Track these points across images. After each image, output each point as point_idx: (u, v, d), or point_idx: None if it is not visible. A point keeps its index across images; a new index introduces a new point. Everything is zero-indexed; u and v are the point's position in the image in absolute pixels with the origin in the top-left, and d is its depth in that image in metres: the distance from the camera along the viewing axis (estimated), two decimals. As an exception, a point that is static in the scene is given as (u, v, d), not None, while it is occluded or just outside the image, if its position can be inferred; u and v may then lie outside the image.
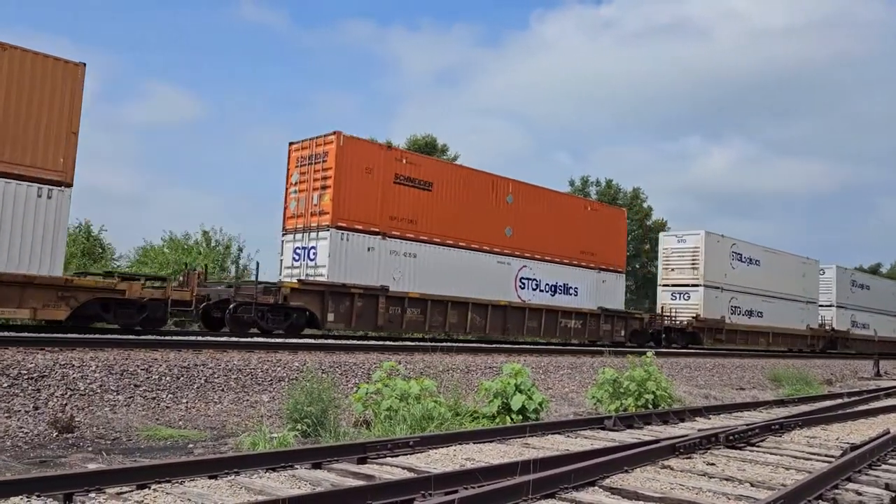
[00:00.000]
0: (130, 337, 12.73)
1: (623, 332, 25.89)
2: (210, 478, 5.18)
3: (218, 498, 4.69)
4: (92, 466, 6.16)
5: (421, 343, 16.29)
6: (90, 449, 7.49)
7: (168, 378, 10.21)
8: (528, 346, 20.34)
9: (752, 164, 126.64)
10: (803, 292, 36.19)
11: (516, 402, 9.44)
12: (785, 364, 24.20)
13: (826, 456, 7.34)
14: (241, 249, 29.78)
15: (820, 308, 38.53)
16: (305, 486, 5.19)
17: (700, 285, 29.65)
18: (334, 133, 17.99)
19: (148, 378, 10.00)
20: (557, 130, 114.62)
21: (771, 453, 7.47)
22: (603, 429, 8.73)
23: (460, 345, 17.89)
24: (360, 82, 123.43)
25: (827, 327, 38.55)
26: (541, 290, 22.84)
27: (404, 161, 19.55)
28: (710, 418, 10.40)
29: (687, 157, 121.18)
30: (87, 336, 12.09)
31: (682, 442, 7.05)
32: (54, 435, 7.86)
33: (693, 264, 30.06)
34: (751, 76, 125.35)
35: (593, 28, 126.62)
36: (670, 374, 18.05)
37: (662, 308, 29.92)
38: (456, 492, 4.82)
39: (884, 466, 6.99)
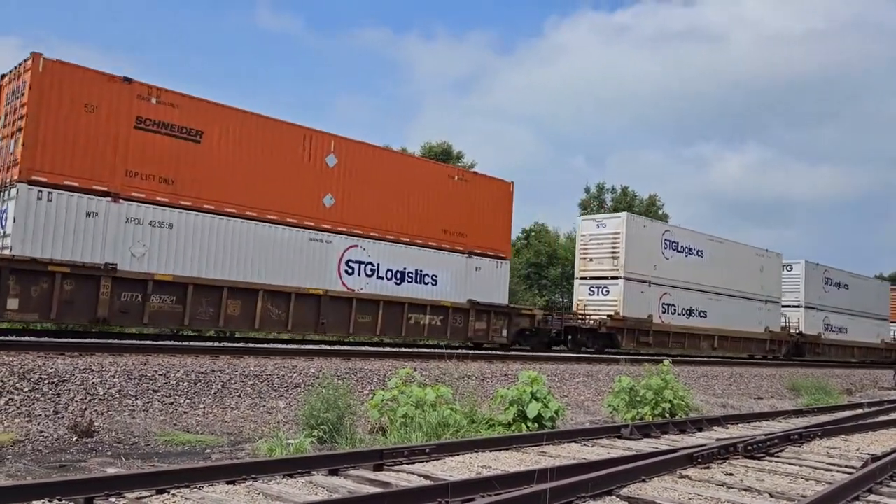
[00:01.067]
0: (148, 342, 12.84)
1: (505, 332, 20.93)
2: (228, 483, 5.20)
3: (235, 503, 4.72)
4: (111, 471, 6.21)
5: (436, 350, 16.25)
6: (109, 454, 7.55)
7: (186, 383, 10.28)
8: (543, 354, 20.27)
9: (769, 170, 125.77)
10: (761, 290, 31.29)
11: (532, 409, 9.40)
12: (802, 374, 23.94)
13: (847, 467, 7.25)
14: None
15: (786, 309, 33.82)
16: (322, 492, 5.21)
17: (620, 278, 24.54)
18: (32, 55, 13.22)
19: (166, 383, 10.08)
20: (574, 136, 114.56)
21: (790, 464, 7.40)
22: (619, 437, 8.68)
23: (476, 352, 17.85)
24: (377, 88, 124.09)
25: (792, 330, 33.56)
26: (379, 277, 18.11)
27: (154, 100, 14.50)
28: (727, 428, 10.31)
29: (703, 162, 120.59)
30: (106, 341, 12.21)
31: (700, 452, 6.99)
32: (74, 439, 7.94)
33: (613, 253, 24.94)
34: (766, 81, 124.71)
35: (608, 34, 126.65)
36: (687, 382, 17.91)
37: (577, 305, 25.34)
38: (473, 500, 4.83)
39: (906, 478, 6.89)
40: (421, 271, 19.24)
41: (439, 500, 4.72)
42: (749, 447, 7.66)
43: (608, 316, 24.13)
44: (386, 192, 18.53)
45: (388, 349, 17.00)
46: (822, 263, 36.58)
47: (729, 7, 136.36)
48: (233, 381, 10.86)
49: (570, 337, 24.09)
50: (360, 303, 17.74)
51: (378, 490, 5.01)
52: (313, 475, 5.66)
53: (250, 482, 5.27)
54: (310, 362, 12.98)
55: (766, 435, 8.43)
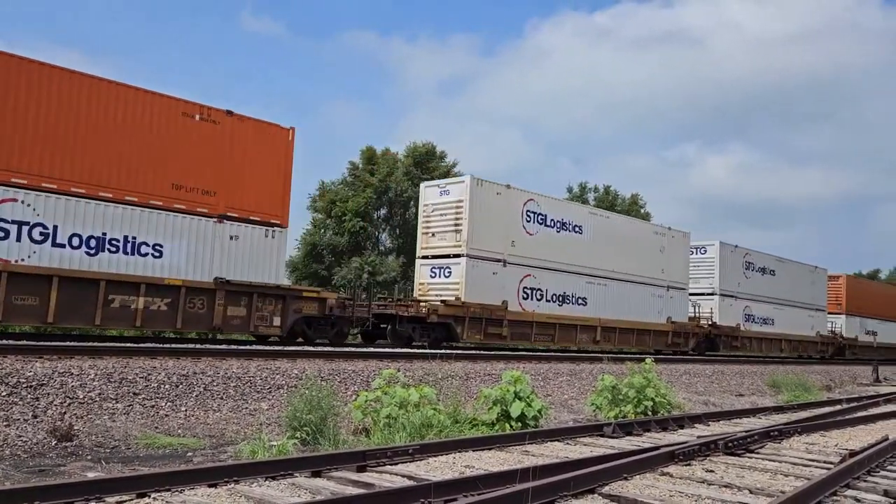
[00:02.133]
0: (129, 345, 12.73)
1: (278, 320, 16.60)
2: (210, 486, 5.17)
3: (217, 506, 4.70)
4: (91, 475, 6.16)
5: (420, 350, 16.25)
6: (89, 458, 7.48)
7: (167, 386, 10.21)
8: (527, 353, 20.32)
9: (753, 171, 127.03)
10: (662, 274, 26.99)
11: (515, 409, 9.44)
12: (784, 370, 24.19)
13: (825, 462, 7.34)
14: None
15: (697, 297, 30.09)
16: (305, 494, 5.20)
17: (462, 255, 20.09)
18: None
19: (147, 386, 10.00)
20: (560, 138, 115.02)
21: (770, 460, 7.48)
22: (602, 436, 8.73)
23: (459, 352, 17.88)
24: (364, 91, 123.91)
25: (704, 322, 29.31)
26: (58, 245, 13.64)
27: None
28: (709, 425, 10.41)
29: (687, 164, 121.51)
30: (86, 344, 12.10)
31: (681, 449, 7.05)
32: (53, 443, 7.86)
33: (456, 225, 20.45)
34: (748, 84, 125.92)
35: (590, 36, 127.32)
36: (669, 380, 18.04)
37: (419, 290, 21.06)
38: (456, 499, 4.84)
39: (882, 473, 6.99)
40: (134, 239, 14.65)
41: (422, 500, 4.72)
42: (729, 444, 7.74)
43: (441, 301, 19.55)
44: (70, 129, 13.97)
45: (371, 350, 16.98)
46: (742, 246, 32.27)
47: (709, 9, 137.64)
48: (215, 383, 10.79)
49: (389, 328, 19.75)
50: (16, 280, 12.98)
51: (361, 491, 5.00)
52: (296, 477, 5.64)
53: (232, 485, 5.25)
54: (293, 363, 12.93)
55: (746, 432, 8.51)
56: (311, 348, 15.67)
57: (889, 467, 7.35)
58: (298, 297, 17.28)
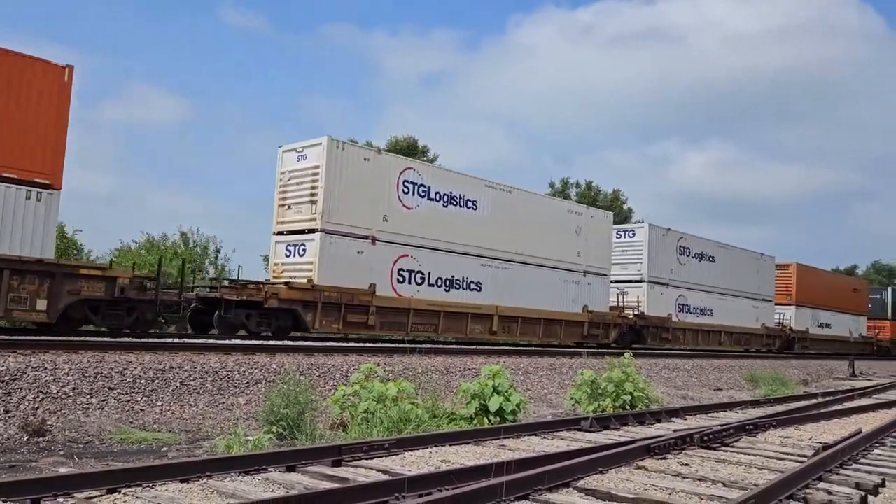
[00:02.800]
0: (106, 339, 12.58)
1: (41, 304, 13.13)
2: (182, 481, 5.12)
3: (188, 502, 4.65)
4: (63, 471, 6.07)
5: (401, 345, 16.22)
6: (62, 453, 7.38)
7: (143, 381, 10.10)
8: (508, 348, 20.36)
9: (731, 169, 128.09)
10: (578, 258, 24.10)
11: (494, 403, 9.45)
12: (761, 365, 24.43)
13: (799, 456, 7.42)
14: (218, 250, 29.39)
15: (625, 285, 27.41)
16: (279, 489, 5.16)
17: (317, 230, 17.12)
18: None
19: (122, 381, 9.88)
20: (541, 135, 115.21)
21: (745, 453, 7.55)
22: (579, 430, 8.77)
23: (440, 346, 17.88)
24: (345, 85, 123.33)
25: (629, 312, 26.41)
26: None
27: None
28: (686, 419, 10.48)
29: (667, 160, 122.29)
30: (60, 339, 11.93)
31: (657, 443, 7.09)
32: (25, 439, 7.74)
33: (312, 195, 17.44)
34: (727, 81, 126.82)
35: (572, 33, 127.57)
36: (648, 374, 18.16)
37: (273, 271, 18.13)
38: (430, 494, 4.82)
39: (855, 466, 7.09)
40: None
41: (396, 495, 4.71)
42: (705, 437, 7.80)
43: (285, 284, 16.70)
44: None
45: (352, 344, 16.93)
46: (677, 229, 29.46)
47: (690, 7, 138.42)
48: (192, 378, 10.70)
49: (217, 314, 16.13)
50: None
51: (334, 486, 4.98)
52: (270, 472, 5.60)
53: (205, 480, 5.20)
54: (271, 358, 12.85)
55: (721, 425, 8.59)
56: (290, 343, 15.59)
57: (861, 460, 7.44)
58: (74, 276, 13.70)
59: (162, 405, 9.71)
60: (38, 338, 11.86)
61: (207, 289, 17.32)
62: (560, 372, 16.86)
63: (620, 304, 26.56)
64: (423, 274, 19.47)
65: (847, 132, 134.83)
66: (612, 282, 26.37)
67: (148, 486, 4.91)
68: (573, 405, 12.32)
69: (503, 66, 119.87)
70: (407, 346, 15.01)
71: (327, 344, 15.82)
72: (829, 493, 5.74)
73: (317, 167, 17.56)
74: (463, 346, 18.87)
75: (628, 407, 11.65)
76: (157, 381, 10.25)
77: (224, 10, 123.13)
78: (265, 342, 15.32)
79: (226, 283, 17.66)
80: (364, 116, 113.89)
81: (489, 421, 9.32)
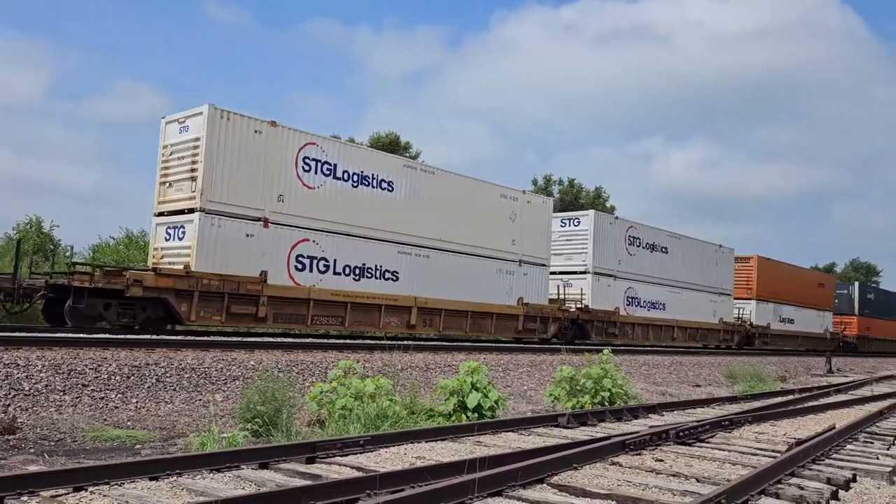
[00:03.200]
0: (81, 335, 12.43)
1: None
2: (151, 479, 5.06)
3: (157, 500, 4.59)
4: (33, 468, 5.98)
5: (381, 342, 16.18)
6: (32, 451, 7.27)
7: (118, 377, 9.99)
8: (489, 345, 20.38)
9: (714, 167, 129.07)
10: (511, 246, 22.32)
11: (472, 400, 9.44)
12: (739, 361, 24.62)
13: (773, 451, 7.47)
14: None
15: (569, 277, 25.73)
16: (250, 486, 5.11)
17: (196, 210, 15.34)
18: None
19: (97, 377, 9.77)
20: (525, 132, 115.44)
21: (719, 449, 7.59)
22: (557, 426, 8.78)
23: (420, 343, 17.85)
24: (330, 81, 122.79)
25: (572, 305, 24.69)
26: None
27: None
28: (663, 415, 10.53)
29: (650, 158, 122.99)
30: (34, 335, 11.77)
31: (633, 439, 7.11)
32: (-5, 437, 7.62)
33: (192, 171, 15.64)
34: (710, 80, 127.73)
35: (555, 30, 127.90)
36: (628, 371, 18.24)
37: (153, 256, 16.35)
38: (402, 490, 4.79)
39: (827, 461, 7.14)
40: None
41: (367, 491, 4.68)
42: (680, 433, 7.83)
43: (153, 269, 15.05)
44: None
45: (333, 341, 16.87)
46: (626, 218, 28.38)
47: (672, 6, 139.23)
48: (168, 375, 10.61)
49: (68, 305, 13.85)
50: None
51: (306, 483, 4.94)
52: (242, 469, 5.55)
53: (175, 477, 5.14)
54: (250, 354, 12.78)
55: (697, 421, 8.62)
56: (270, 339, 15.52)
57: (834, 455, 7.51)
58: None
59: (137, 402, 9.60)
60: (11, 334, 11.70)
61: (64, 275, 14.70)
62: (540, 368, 16.90)
63: (561, 297, 24.96)
64: (326, 261, 17.54)
65: (828, 132, 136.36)
66: (554, 273, 25.01)
67: (116, 484, 4.84)
68: (552, 401, 12.33)
69: (487, 63, 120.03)
70: (387, 342, 14.97)
71: (307, 340, 15.74)
72: (801, 488, 5.78)
73: (197, 139, 15.56)
74: (444, 343, 18.86)
75: (607, 403, 11.68)
76: (132, 377, 10.14)
77: (208, 6, 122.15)
78: (244, 339, 15.22)
79: (82, 268, 15.40)
80: (348, 113, 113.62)
81: (467, 417, 9.31)
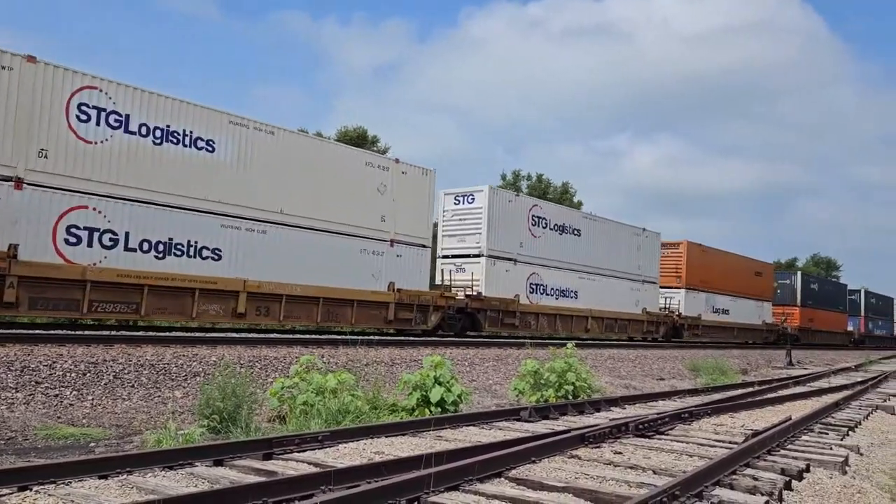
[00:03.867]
0: (37, 332, 12.14)
1: None
2: (101, 478, 4.94)
3: (104, 499, 4.48)
4: (-21, 468, 5.81)
5: (346, 337, 16.06)
6: (-20, 450, 7.08)
7: (73, 374, 9.78)
8: (454, 339, 20.38)
9: (680, 163, 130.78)
10: (381, 225, 19.39)
11: (435, 394, 9.42)
12: (702, 355, 24.98)
13: (730, 443, 7.56)
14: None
15: (464, 262, 22.80)
16: (203, 483, 5.02)
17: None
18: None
19: (51, 374, 9.55)
20: (493, 127, 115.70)
21: (678, 441, 7.66)
22: (519, 420, 8.79)
23: (387, 338, 17.78)
24: (297, 74, 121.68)
25: (460, 292, 21.71)
26: None
27: None
28: (625, 408, 10.61)
29: (617, 154, 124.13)
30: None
31: (592, 432, 7.14)
32: (-58, 436, 7.40)
33: None
34: (674, 77, 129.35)
35: (522, 26, 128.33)
36: (594, 365, 18.41)
37: None
38: (357, 486, 4.75)
39: (782, 452, 7.26)
40: None
41: (322, 487, 4.62)
42: (640, 426, 7.89)
43: None
44: None
45: (297, 336, 16.71)
46: (528, 196, 25.96)
47: (637, 4, 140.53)
48: (126, 371, 10.41)
49: None
50: None
51: (260, 479, 4.86)
52: (196, 466, 5.45)
53: (125, 476, 5.02)
54: (212, 350, 12.60)
55: (657, 414, 8.71)
56: (233, 335, 15.32)
57: (789, 446, 7.64)
58: None
59: (93, 399, 9.40)
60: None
61: None
62: (506, 362, 16.95)
63: (446, 282, 22.14)
64: (114, 234, 14.22)
65: (790, 129, 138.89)
66: (447, 256, 23.21)
67: (63, 483, 4.72)
68: (517, 395, 12.38)
69: (455, 57, 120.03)
70: (351, 337, 14.88)
71: (271, 336, 15.57)
72: (755, 478, 5.85)
73: None
74: (411, 338, 18.81)
75: (571, 397, 11.75)
76: (88, 374, 9.93)
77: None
78: (206, 334, 15.01)
79: None
80: (317, 106, 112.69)
81: (430, 412, 9.28)
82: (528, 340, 17.71)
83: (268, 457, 5.87)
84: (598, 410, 10.09)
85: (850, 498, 6.05)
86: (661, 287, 32.23)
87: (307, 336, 16.71)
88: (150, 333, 13.77)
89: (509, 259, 23.56)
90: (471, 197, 23.14)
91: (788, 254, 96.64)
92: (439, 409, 9.37)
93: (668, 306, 32.69)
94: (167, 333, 14.18)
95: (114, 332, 13.58)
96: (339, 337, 16.67)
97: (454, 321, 21.46)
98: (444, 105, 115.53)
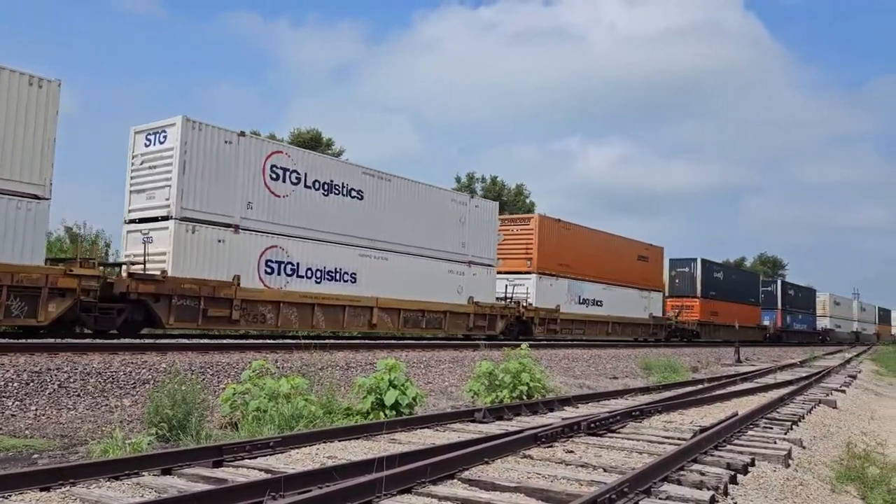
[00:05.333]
0: (-24, 341, 11.72)
1: None
2: (42, 490, 4.80)
3: (45, 512, 4.36)
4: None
5: (300, 341, 15.91)
6: (-85, 465, 6.80)
7: (16, 384, 9.47)
8: (411, 342, 20.37)
9: (630, 164, 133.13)
10: None
11: (390, 397, 9.38)
12: (655, 353, 25.45)
13: (679, 439, 7.72)
14: (108, 244, 27.59)
15: (151, 228, 16.32)
16: (150, 493, 4.92)
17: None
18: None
19: (-9, 385, 9.23)
20: (448, 128, 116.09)
21: (629, 439, 7.80)
22: (473, 421, 8.83)
23: (342, 341, 17.68)
24: (249, 76, 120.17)
25: (127, 270, 15.69)
26: None
27: None
28: (578, 407, 10.75)
29: (569, 156, 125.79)
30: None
31: (545, 431, 7.22)
32: None
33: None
34: (623, 80, 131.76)
35: (475, 29, 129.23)
36: (548, 365, 18.59)
37: None
38: (308, 491, 4.71)
39: (729, 447, 7.45)
40: None
41: (272, 494, 4.58)
42: (592, 425, 8.01)
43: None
44: None
45: (251, 341, 16.49)
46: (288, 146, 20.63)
47: (586, 8, 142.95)
48: (72, 380, 10.13)
49: None
50: None
51: (208, 487, 4.79)
52: (143, 476, 5.34)
53: (68, 487, 4.89)
54: (162, 357, 12.35)
55: (609, 412, 8.84)
56: (184, 340, 15.04)
57: (735, 441, 7.84)
58: None
59: (36, 409, 9.13)
60: None
61: None
62: (462, 364, 16.99)
63: (508, 295, 21.94)
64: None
65: (735, 130, 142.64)
66: (132, 221, 16.91)
67: (1, 497, 4.57)
68: (472, 397, 12.42)
69: (409, 59, 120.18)
70: (305, 341, 14.74)
71: (224, 341, 15.34)
72: (702, 473, 5.99)
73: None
74: (366, 341, 18.73)
75: (525, 397, 11.84)
76: (31, 384, 9.64)
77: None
78: (157, 340, 14.70)
79: None
80: (271, 108, 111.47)
81: (385, 415, 9.25)
82: (483, 341, 17.74)
83: (218, 464, 5.79)
84: (552, 410, 10.19)
85: (793, 490, 6.24)
86: (507, 273, 27.00)
87: (260, 341, 16.52)
88: (98, 341, 13.43)
89: (225, 225, 17.16)
90: (161, 134, 16.64)
91: (737, 253, 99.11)
92: (394, 412, 9.35)
93: (510, 295, 26.47)
94: (113, 341, 13.85)
95: (58, 341, 13.22)
96: (293, 341, 16.52)
97: (123, 316, 16.62)
98: (399, 106, 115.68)
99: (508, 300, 26.28)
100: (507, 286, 26.81)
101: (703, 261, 41.99)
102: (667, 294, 40.15)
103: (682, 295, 40.67)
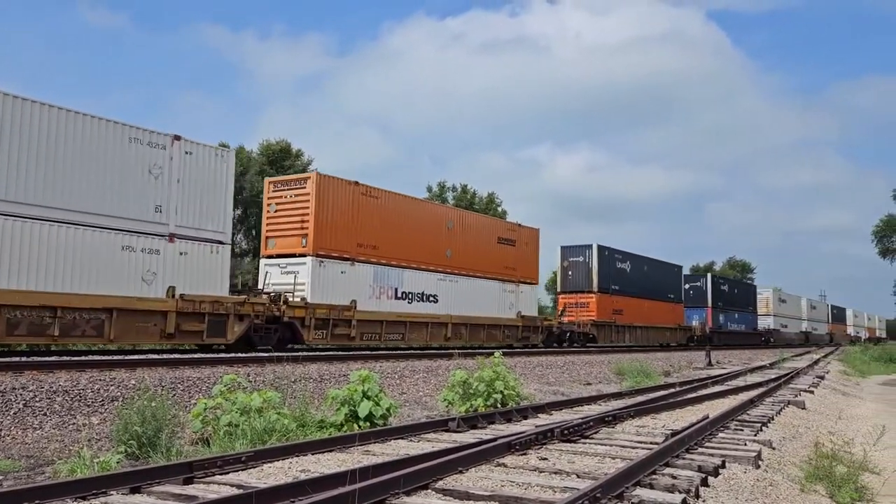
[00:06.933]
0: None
1: None
2: (6, 513, 4.70)
3: (9, 535, 4.26)
4: None
5: (272, 354, 15.77)
6: None
7: (-21, 405, 9.24)
8: (384, 353, 20.29)
9: (598, 171, 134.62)
10: None
11: (363, 408, 9.34)
12: (629, 358, 25.65)
13: (651, 443, 7.79)
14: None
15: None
16: (119, 513, 4.84)
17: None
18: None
19: (-47, 406, 9.01)
20: (418, 138, 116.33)
21: (602, 444, 7.84)
22: (447, 431, 8.81)
23: (315, 353, 17.55)
24: (215, 88, 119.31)
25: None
26: None
27: None
28: (552, 414, 10.79)
29: (539, 164, 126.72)
30: None
31: (519, 439, 7.24)
32: None
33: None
34: (590, 88, 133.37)
35: (442, 39, 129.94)
36: (523, 372, 18.64)
37: None
38: (281, 506, 4.67)
39: (700, 449, 7.53)
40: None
41: (244, 509, 4.52)
42: (565, 431, 8.04)
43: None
44: None
45: (221, 356, 16.29)
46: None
47: (551, 18, 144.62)
48: (37, 399, 9.92)
49: None
50: None
51: (179, 505, 4.72)
52: (111, 495, 5.25)
53: (33, 509, 4.79)
54: (131, 373, 12.15)
55: (582, 418, 8.88)
56: (154, 356, 14.82)
57: (706, 444, 7.93)
58: None
59: (1, 430, 8.92)
60: None
61: None
62: (436, 374, 16.96)
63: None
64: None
65: (700, 137, 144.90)
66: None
67: (-36, 521, 4.47)
68: (447, 406, 12.40)
69: (378, 70, 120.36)
70: (276, 354, 14.62)
71: (194, 356, 15.14)
72: (674, 477, 6.05)
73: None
74: (339, 353, 18.61)
75: (499, 405, 11.85)
76: (-5, 404, 9.41)
77: (83, 10, 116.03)
78: (125, 357, 14.46)
79: None
80: (240, 119, 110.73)
81: (359, 426, 9.20)
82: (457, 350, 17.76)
83: (188, 481, 5.71)
84: (526, 418, 10.22)
85: (763, 490, 6.32)
86: (278, 256, 20.37)
87: (231, 355, 16.33)
88: (65, 358, 13.19)
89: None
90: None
91: (707, 258, 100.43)
92: (368, 424, 9.30)
93: (266, 285, 19.68)
94: (82, 358, 13.60)
95: (24, 359, 12.96)
96: (264, 354, 16.36)
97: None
98: (367, 116, 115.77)
99: (269, 294, 18.73)
100: (266, 273, 20.20)
101: (601, 247, 34.28)
102: (559, 290, 34.72)
103: (576, 290, 33.78)
